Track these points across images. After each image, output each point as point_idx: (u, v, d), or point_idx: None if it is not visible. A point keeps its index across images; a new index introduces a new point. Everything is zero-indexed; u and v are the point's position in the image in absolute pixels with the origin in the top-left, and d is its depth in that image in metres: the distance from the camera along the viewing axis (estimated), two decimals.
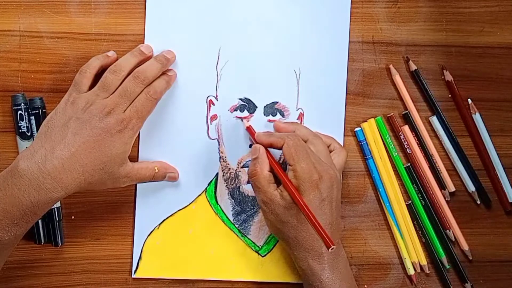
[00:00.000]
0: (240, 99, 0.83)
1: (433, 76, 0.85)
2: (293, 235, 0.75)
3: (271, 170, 0.77)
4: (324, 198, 0.75)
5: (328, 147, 0.80)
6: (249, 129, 0.81)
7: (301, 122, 0.83)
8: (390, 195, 0.84)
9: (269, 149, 0.78)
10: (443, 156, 0.85)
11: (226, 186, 0.83)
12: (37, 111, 0.80)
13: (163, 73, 0.80)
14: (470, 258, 0.85)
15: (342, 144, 0.83)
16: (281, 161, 0.82)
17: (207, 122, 0.83)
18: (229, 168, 0.83)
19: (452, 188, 0.85)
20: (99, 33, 0.82)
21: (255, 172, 0.77)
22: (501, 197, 0.86)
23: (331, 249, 0.70)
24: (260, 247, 0.84)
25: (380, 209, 0.85)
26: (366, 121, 0.84)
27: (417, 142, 0.84)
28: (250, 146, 0.83)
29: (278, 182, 0.77)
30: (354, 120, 0.84)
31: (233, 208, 0.84)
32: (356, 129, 0.84)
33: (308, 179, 0.74)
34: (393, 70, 0.84)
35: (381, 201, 0.84)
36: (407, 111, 0.84)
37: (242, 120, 0.82)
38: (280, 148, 0.77)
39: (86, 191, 0.76)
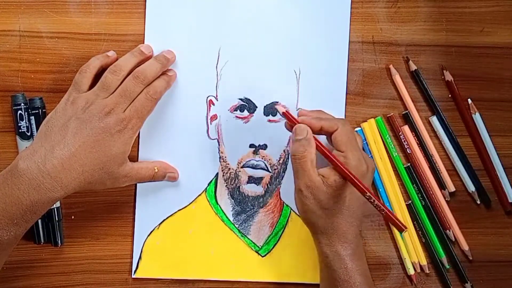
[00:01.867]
0: (240, 99, 0.83)
1: (433, 76, 0.85)
2: (329, 222, 0.74)
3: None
4: None
5: None
6: (286, 114, 0.76)
7: None
8: (390, 195, 0.84)
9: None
10: (443, 156, 0.85)
11: (226, 186, 0.83)
12: (37, 111, 0.80)
13: (163, 73, 0.80)
14: (470, 258, 0.85)
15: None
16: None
17: (207, 122, 0.83)
18: (229, 168, 0.83)
19: (452, 188, 0.85)
20: (99, 33, 0.82)
21: (304, 154, 0.73)
22: (501, 197, 0.85)
23: (405, 232, 0.70)
24: (260, 247, 0.84)
25: None
26: (366, 121, 0.84)
27: (417, 142, 0.84)
28: (250, 146, 0.83)
29: None
30: (354, 120, 0.84)
31: (233, 208, 0.84)
32: (356, 129, 0.84)
33: (359, 168, 0.73)
34: (393, 70, 0.84)
35: (381, 201, 0.84)
36: (407, 111, 0.84)
37: (276, 105, 0.80)
38: (331, 133, 0.75)
39: (86, 191, 0.76)
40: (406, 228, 0.71)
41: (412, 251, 0.84)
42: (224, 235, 0.84)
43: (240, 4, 0.83)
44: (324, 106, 0.83)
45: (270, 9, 0.83)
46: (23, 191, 0.70)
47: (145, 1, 0.82)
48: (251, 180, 0.83)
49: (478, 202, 0.85)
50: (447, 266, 0.85)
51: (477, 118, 0.85)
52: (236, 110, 0.83)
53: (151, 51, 0.80)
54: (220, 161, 0.83)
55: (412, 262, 0.85)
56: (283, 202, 0.84)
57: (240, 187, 0.84)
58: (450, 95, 0.85)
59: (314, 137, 0.74)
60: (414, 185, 0.84)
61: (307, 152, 0.73)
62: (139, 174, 0.78)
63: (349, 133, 0.75)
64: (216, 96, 0.83)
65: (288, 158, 0.83)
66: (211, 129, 0.83)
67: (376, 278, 0.85)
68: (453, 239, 0.85)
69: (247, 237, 0.84)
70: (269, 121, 0.83)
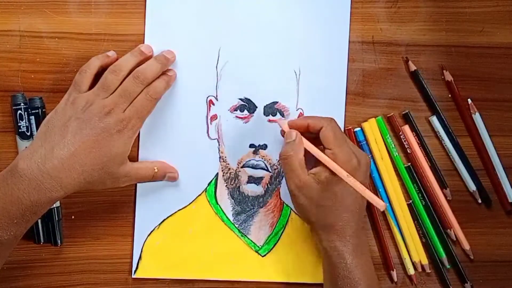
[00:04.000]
0: (240, 99, 0.83)
1: (433, 76, 0.85)
2: (325, 218, 0.76)
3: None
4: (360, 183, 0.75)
5: None
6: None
7: None
8: (390, 195, 0.84)
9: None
10: (443, 156, 0.85)
11: (226, 186, 0.83)
12: (37, 111, 0.80)
13: (163, 73, 0.80)
14: (472, 257, 0.85)
15: None
16: None
17: (207, 122, 0.83)
18: (229, 168, 0.83)
19: (452, 188, 0.85)
20: (99, 33, 0.82)
21: (289, 155, 0.76)
22: (501, 197, 0.85)
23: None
24: (260, 247, 0.84)
25: None
26: (366, 121, 0.84)
27: (417, 142, 0.84)
28: (250, 146, 0.83)
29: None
30: (354, 120, 0.84)
31: (233, 208, 0.84)
32: (356, 129, 0.84)
33: (348, 163, 0.75)
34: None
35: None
36: (407, 111, 0.84)
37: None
38: (317, 131, 0.76)
39: (86, 191, 0.76)
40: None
41: (412, 251, 0.84)
42: (224, 235, 0.84)
43: (240, 4, 0.83)
44: (324, 106, 0.83)
45: (270, 9, 0.83)
46: (23, 191, 0.70)
47: (145, 1, 0.82)
48: (251, 180, 0.83)
49: (479, 201, 0.85)
50: (448, 266, 0.85)
51: (477, 118, 0.85)
52: (236, 110, 0.83)
53: (151, 51, 0.80)
54: (220, 161, 0.83)
55: (413, 262, 0.85)
56: (283, 202, 0.84)
57: (240, 187, 0.84)
58: (450, 95, 0.85)
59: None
60: (415, 184, 0.84)
61: (293, 152, 0.76)
62: (139, 174, 0.78)
63: (335, 130, 0.76)
64: (216, 96, 0.83)
65: None
66: (211, 129, 0.83)
67: None
68: (454, 239, 0.85)
69: (247, 237, 0.84)
70: (269, 121, 0.83)
